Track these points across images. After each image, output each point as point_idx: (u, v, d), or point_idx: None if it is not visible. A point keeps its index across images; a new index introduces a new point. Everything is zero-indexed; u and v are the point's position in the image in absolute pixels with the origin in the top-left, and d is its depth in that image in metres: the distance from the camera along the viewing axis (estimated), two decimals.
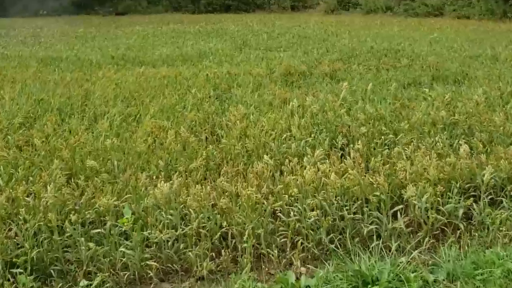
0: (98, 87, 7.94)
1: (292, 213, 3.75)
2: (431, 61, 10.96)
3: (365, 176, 4.12)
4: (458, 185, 4.05)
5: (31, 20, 29.14)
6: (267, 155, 5.00)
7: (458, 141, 5.13)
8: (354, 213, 3.81)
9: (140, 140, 5.21)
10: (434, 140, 5.06)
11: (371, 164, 4.36)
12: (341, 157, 5.01)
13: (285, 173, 4.50)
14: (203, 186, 4.12)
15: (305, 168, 4.37)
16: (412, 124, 5.56)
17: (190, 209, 3.78)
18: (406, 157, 4.61)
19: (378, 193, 3.82)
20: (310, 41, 16.47)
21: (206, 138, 5.63)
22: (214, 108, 6.62)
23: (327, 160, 4.64)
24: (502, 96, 6.75)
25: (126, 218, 3.75)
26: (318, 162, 4.42)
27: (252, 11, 38.55)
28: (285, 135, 5.36)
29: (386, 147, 5.19)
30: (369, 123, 5.60)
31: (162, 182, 4.07)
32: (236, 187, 4.03)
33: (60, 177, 4.24)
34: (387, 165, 4.48)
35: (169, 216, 3.71)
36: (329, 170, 4.24)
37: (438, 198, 3.89)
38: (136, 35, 19.84)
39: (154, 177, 4.45)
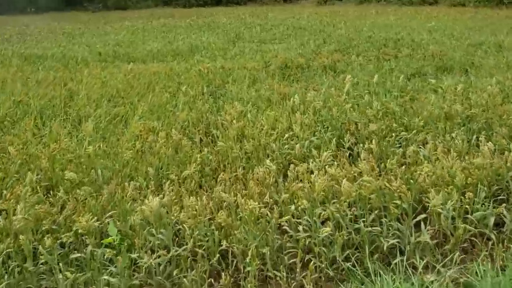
0: (84, 86, 7.41)
1: (301, 227, 3.27)
2: (434, 50, 10.49)
3: (379, 179, 3.66)
4: (485, 189, 3.59)
5: (18, 18, 28.37)
6: (268, 158, 4.53)
7: (477, 137, 4.67)
8: (372, 225, 3.34)
9: (128, 144, 4.71)
10: (451, 137, 4.59)
11: (388, 166, 3.89)
12: (349, 156, 4.56)
13: (289, 178, 4.04)
14: (198, 197, 3.64)
15: (312, 173, 3.91)
16: (425, 119, 5.09)
17: (184, 225, 3.30)
18: (424, 157, 4.14)
19: (398, 202, 3.35)
20: (305, 32, 15.95)
21: (201, 139, 5.14)
22: (208, 106, 6.13)
23: (335, 162, 4.18)
24: None
25: (112, 238, 3.28)
26: (326, 165, 3.95)
27: (244, 3, 37.91)
28: (287, 135, 4.88)
29: (398, 145, 4.73)
30: (378, 119, 5.13)
31: (152, 195, 3.60)
32: (235, 197, 3.55)
33: (36, 191, 3.74)
34: (403, 167, 4.02)
35: (160, 236, 3.22)
36: (339, 174, 3.77)
37: (466, 205, 3.43)
38: (126, 31, 19.24)
39: (143, 187, 3.97)
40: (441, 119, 5.13)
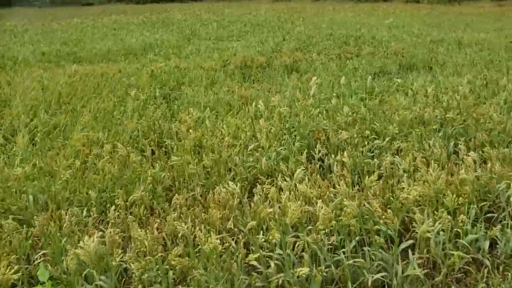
0: (21, 91, 6.62)
1: (272, 263, 2.77)
2: (396, 48, 10.26)
3: (356, 198, 3.21)
4: (475, 207, 3.21)
5: None
6: (230, 172, 4.00)
7: (455, 144, 4.33)
8: (353, 256, 2.87)
9: (67, 162, 4.06)
10: (429, 145, 4.21)
11: (366, 182, 3.45)
12: (320, 168, 4.10)
13: (256, 196, 3.54)
14: (149, 227, 3.08)
15: (281, 191, 3.42)
16: (398, 125, 4.70)
17: (132, 265, 2.73)
18: (403, 170, 3.73)
19: (383, 227, 2.91)
20: (264, 29, 15.50)
21: (152, 152, 4.54)
22: (161, 112, 5.52)
23: (306, 178, 3.70)
24: (488, 86, 6.03)
25: (42, 286, 2.67)
26: (297, 183, 3.46)
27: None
28: (251, 146, 4.36)
29: (371, 154, 4.32)
30: (349, 125, 4.70)
31: (93, 225, 3.00)
32: (193, 227, 3.01)
33: None
34: (380, 181, 3.60)
35: (101, 282, 2.64)
36: (313, 194, 3.30)
37: (457, 228, 3.03)
38: (74, 28, 18.17)
39: (82, 216, 3.35)
40: (414, 124, 4.75)
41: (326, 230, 2.82)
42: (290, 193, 3.27)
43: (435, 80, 6.89)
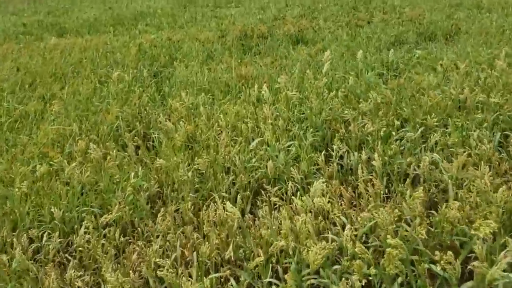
0: None
1: None
2: (411, 14, 9.30)
3: (398, 229, 2.47)
4: None
5: None
6: (228, 175, 3.24)
7: (505, 136, 3.55)
8: None
9: (26, 168, 3.29)
10: (473, 138, 3.43)
11: (402, 191, 2.70)
12: (339, 169, 3.34)
13: (261, 212, 2.82)
14: (125, 263, 2.35)
15: (295, 211, 2.68)
16: (431, 111, 3.91)
17: None
18: (449, 177, 2.96)
19: (438, 270, 2.16)
20: None
21: (137, 148, 3.78)
22: (148, 97, 4.71)
23: (325, 186, 2.94)
24: None
25: None
26: (316, 198, 2.70)
27: None
28: (254, 142, 3.58)
29: (401, 148, 3.54)
30: (373, 113, 3.90)
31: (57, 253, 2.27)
32: (181, 274, 2.28)
33: None
34: (419, 189, 2.85)
35: None
36: (335, 213, 2.56)
37: None
38: None
39: (43, 240, 2.62)
40: (450, 110, 3.95)
41: (363, 282, 2.07)
42: (306, 214, 2.51)
43: (462, 51, 6.02)
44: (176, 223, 2.87)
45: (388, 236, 2.13)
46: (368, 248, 2.45)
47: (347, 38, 7.53)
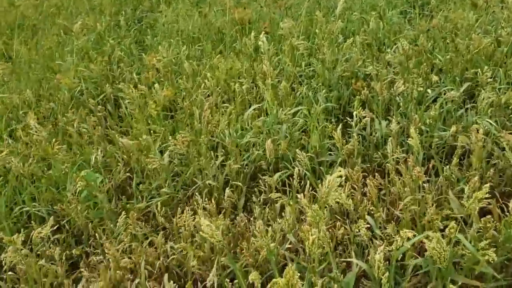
0: None
1: None
2: None
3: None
4: None
5: None
6: (215, 156, 2.47)
7: None
8: None
9: None
10: None
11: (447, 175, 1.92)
12: (360, 140, 2.54)
13: (256, 210, 2.09)
14: None
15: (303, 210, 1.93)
16: (475, 61, 3.05)
17: None
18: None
19: None
20: None
21: (104, 120, 3.00)
22: (123, 52, 3.86)
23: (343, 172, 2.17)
24: None
25: None
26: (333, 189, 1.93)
27: None
28: (251, 108, 2.77)
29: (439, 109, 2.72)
30: (403, 65, 3.03)
31: None
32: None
33: None
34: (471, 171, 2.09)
35: None
36: (362, 226, 1.81)
37: None
38: None
39: None
40: (502, 58, 3.08)
41: None
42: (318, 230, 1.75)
43: None
44: (148, 227, 2.15)
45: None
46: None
47: None
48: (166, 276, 1.85)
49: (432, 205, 1.96)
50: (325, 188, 1.76)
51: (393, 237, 1.73)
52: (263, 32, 3.13)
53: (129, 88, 2.88)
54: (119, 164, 2.56)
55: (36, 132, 2.37)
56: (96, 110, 3.01)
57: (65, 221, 2.23)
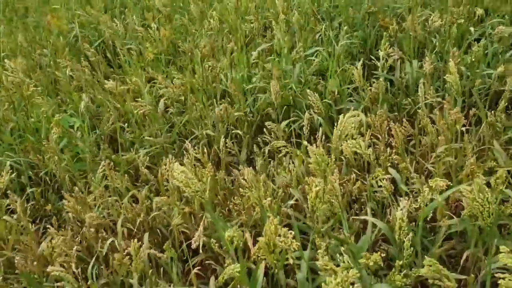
0: None
1: None
2: None
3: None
4: None
5: None
6: (216, 101, 2.14)
7: None
8: None
9: None
10: None
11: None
12: (387, 86, 2.14)
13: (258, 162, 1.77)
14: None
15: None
16: None
17: None
18: None
19: None
20: None
21: (98, 68, 2.69)
22: None
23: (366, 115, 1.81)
24: None
25: None
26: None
27: None
28: (259, 48, 2.40)
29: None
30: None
31: None
32: None
33: None
34: None
35: None
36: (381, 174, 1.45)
37: None
38: None
39: None
40: None
41: None
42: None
43: None
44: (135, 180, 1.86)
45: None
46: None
47: None
48: (146, 235, 1.56)
49: (472, 156, 1.59)
50: (337, 131, 1.41)
51: (421, 193, 1.36)
52: None
53: (125, 30, 2.55)
54: (110, 112, 2.26)
55: (12, 73, 2.08)
56: (92, 55, 2.69)
57: (42, 172, 1.96)
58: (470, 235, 1.38)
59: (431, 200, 1.22)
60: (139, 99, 2.10)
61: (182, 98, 2.21)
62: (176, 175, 1.22)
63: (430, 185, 1.17)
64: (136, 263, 1.32)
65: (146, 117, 2.12)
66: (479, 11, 2.31)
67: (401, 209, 1.20)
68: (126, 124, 2.19)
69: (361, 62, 1.93)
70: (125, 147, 2.10)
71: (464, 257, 1.33)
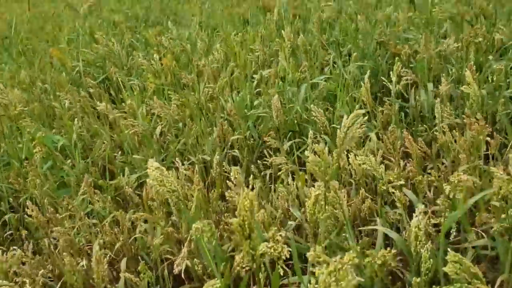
0: None
1: None
2: None
3: None
4: None
5: None
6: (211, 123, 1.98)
7: None
8: None
9: None
10: None
11: None
12: (401, 116, 1.97)
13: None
14: None
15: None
16: None
17: None
18: None
19: None
20: None
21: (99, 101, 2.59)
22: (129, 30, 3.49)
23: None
24: None
25: None
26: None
27: None
28: (261, 72, 2.28)
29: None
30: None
31: None
32: None
33: None
34: None
35: None
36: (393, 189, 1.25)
37: None
38: None
39: None
40: None
41: None
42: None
43: None
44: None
45: None
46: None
47: None
48: (124, 261, 1.36)
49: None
50: (340, 133, 1.23)
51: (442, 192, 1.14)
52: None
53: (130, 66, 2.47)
54: (104, 141, 2.12)
55: (1, 95, 1.98)
56: (94, 87, 2.60)
57: (22, 198, 1.79)
58: (503, 258, 1.15)
59: (453, 204, 1.00)
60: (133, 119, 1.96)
61: (180, 124, 2.07)
62: (150, 172, 1.04)
63: (455, 178, 0.97)
64: None
65: (140, 142, 1.98)
66: (497, 35, 2.17)
67: (416, 215, 0.99)
68: (119, 151, 2.04)
69: (368, 77, 1.77)
70: (117, 173, 1.94)
71: (498, 283, 1.09)
